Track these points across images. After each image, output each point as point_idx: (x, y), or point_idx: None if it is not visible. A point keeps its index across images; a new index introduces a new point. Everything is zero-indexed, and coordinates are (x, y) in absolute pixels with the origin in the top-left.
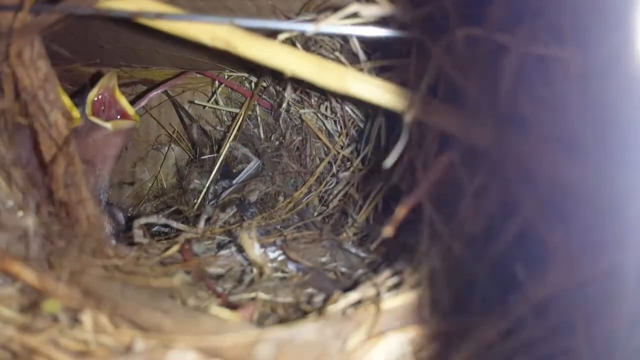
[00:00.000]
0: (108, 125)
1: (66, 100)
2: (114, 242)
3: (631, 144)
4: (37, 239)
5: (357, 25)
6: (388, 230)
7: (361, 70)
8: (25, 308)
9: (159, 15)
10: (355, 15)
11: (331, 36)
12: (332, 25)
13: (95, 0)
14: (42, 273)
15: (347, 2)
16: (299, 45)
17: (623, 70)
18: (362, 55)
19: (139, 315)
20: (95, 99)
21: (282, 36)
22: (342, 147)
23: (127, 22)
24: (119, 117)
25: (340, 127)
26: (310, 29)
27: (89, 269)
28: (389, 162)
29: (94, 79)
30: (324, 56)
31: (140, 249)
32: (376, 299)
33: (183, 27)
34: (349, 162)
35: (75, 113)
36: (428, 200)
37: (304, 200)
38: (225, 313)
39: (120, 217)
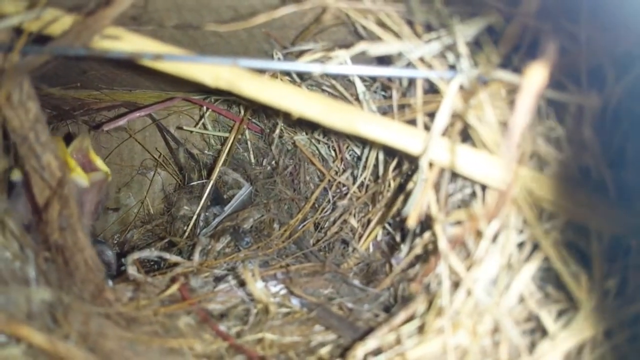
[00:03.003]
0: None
1: (70, 161)
2: (110, 283)
3: None
4: (39, 290)
5: (364, 65)
6: (416, 288)
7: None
8: None
9: (159, 57)
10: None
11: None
12: (340, 65)
13: (89, 41)
14: (50, 335)
15: (342, 33)
16: (297, 80)
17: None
18: (364, 96)
19: None
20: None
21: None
22: (337, 173)
23: None
24: None
25: (335, 151)
26: (316, 69)
27: (95, 323)
28: (407, 210)
29: (65, 140)
30: (323, 91)
31: (138, 289)
32: (398, 349)
33: (184, 67)
34: (345, 188)
35: (81, 172)
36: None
37: (299, 227)
38: None
39: (110, 255)
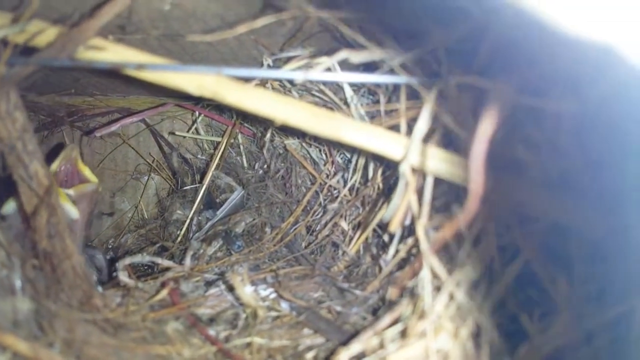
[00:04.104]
0: (71, 192)
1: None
2: (100, 289)
3: (632, 189)
4: (25, 299)
5: (347, 72)
6: (394, 293)
7: (350, 115)
8: None
9: (142, 66)
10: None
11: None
12: (321, 72)
13: (74, 52)
14: (34, 343)
15: (328, 40)
16: (287, 85)
17: (616, 113)
18: (351, 100)
19: None
20: (58, 170)
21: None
22: (327, 177)
23: None
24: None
25: (326, 155)
26: (298, 77)
27: (81, 330)
28: (388, 215)
29: (56, 150)
30: (312, 96)
31: (128, 294)
32: (381, 353)
33: (168, 77)
34: (336, 191)
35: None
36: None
37: (291, 231)
38: None
39: (101, 260)
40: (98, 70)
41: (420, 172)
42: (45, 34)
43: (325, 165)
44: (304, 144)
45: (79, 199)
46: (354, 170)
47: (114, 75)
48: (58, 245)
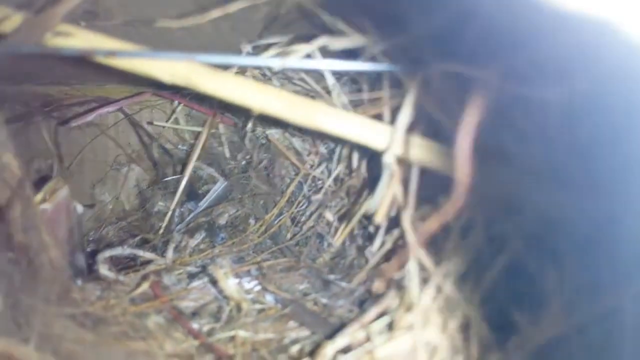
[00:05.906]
0: (46, 206)
1: None
2: (79, 282)
3: (622, 178)
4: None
5: (326, 59)
6: (380, 287)
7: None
8: None
9: (112, 53)
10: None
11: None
12: (300, 59)
13: (41, 38)
14: (9, 339)
15: (308, 27)
16: (268, 73)
17: (606, 99)
18: (333, 89)
19: None
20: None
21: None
22: (312, 167)
23: None
24: None
25: (310, 145)
26: (276, 64)
27: (58, 325)
28: (373, 204)
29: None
30: (293, 84)
31: (108, 287)
32: (368, 346)
33: (140, 63)
34: (320, 182)
35: None
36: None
37: (275, 222)
38: None
39: (81, 260)
40: (68, 58)
41: (405, 162)
42: (11, 20)
43: (309, 155)
44: (286, 134)
45: (57, 211)
46: (338, 161)
47: (86, 63)
48: (34, 239)
